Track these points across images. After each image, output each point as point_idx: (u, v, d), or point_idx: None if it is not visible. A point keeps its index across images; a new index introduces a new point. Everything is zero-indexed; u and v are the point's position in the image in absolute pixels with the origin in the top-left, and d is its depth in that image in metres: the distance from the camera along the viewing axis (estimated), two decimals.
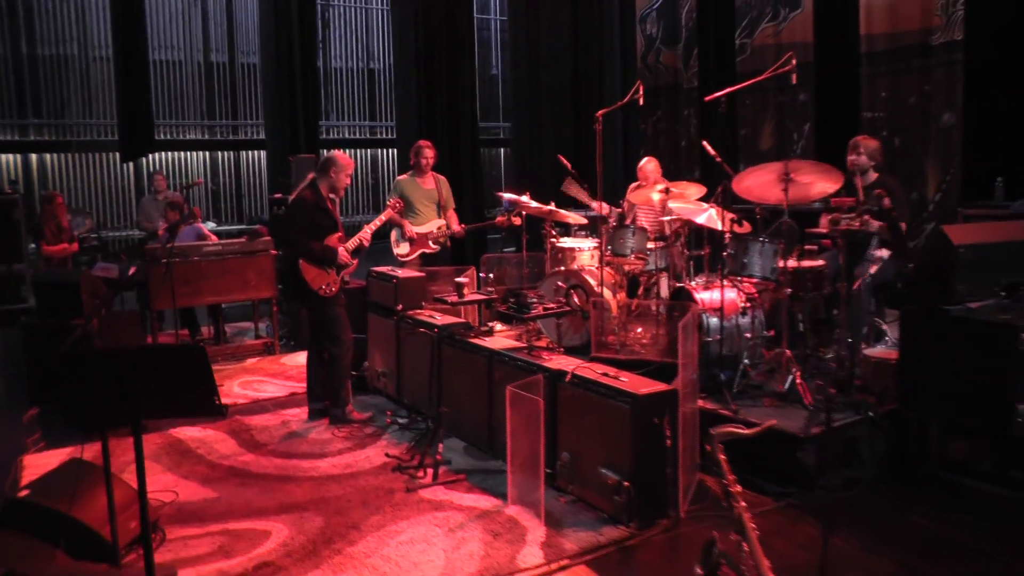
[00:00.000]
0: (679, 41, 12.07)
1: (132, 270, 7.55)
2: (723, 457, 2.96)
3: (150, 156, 12.26)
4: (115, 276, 7.78)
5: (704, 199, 6.46)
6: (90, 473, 3.98)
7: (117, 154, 11.21)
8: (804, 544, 3.96)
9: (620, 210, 7.24)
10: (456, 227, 7.51)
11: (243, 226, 12.93)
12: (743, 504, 2.90)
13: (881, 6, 9.34)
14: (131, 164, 12.68)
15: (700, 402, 4.92)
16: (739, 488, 2.93)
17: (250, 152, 14.49)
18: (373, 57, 15.92)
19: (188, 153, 14.01)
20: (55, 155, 12.67)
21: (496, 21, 16.48)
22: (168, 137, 13.65)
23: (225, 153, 14.42)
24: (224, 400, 6.19)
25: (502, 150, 16.16)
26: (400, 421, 5.81)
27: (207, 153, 14.25)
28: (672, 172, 11.51)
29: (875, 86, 9.53)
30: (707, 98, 6.39)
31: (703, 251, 6.41)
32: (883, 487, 4.71)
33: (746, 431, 3.05)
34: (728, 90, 6.25)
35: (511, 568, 3.73)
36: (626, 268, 6.37)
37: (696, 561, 3.11)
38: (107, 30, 12.55)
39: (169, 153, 13.62)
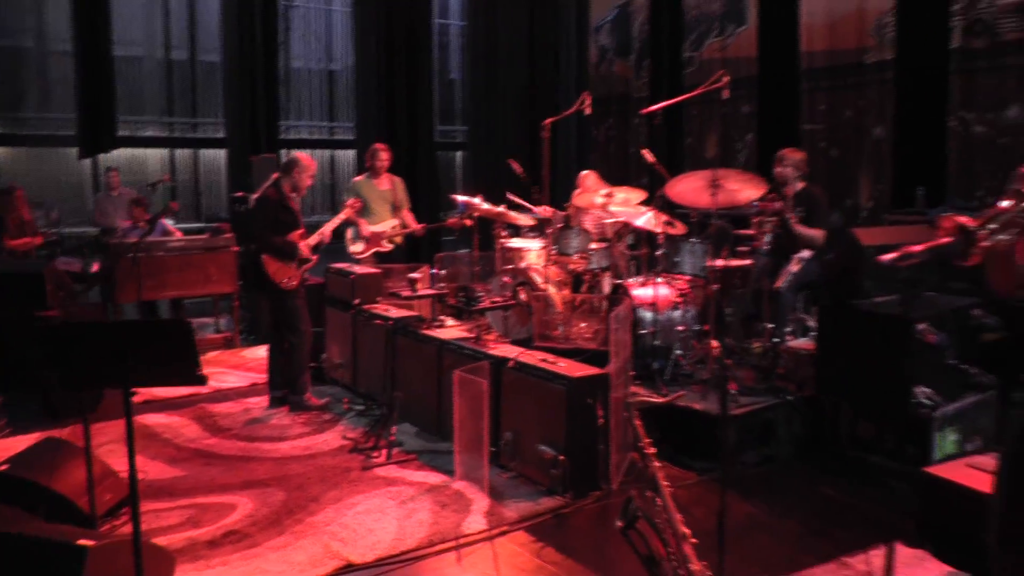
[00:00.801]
0: (631, 52, 12.55)
1: (95, 266, 7.83)
2: (639, 422, 3.38)
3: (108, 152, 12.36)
4: (79, 270, 8.04)
5: (644, 203, 6.91)
6: (66, 450, 4.30)
7: (75, 149, 11.32)
8: (719, 511, 4.40)
9: (565, 213, 7.66)
10: (415, 226, 7.89)
11: (202, 224, 13.12)
12: (657, 464, 3.33)
13: (820, 26, 9.88)
14: (89, 160, 12.75)
15: (634, 387, 5.37)
16: (654, 450, 3.36)
17: (209, 150, 14.62)
18: (334, 59, 16.13)
19: (146, 150, 14.11)
20: (10, 149, 12.70)
21: (456, 26, 16.81)
22: (127, 134, 13.73)
23: (184, 151, 14.54)
24: (188, 391, 6.59)
25: (460, 153, 16.50)
26: (357, 408, 6.18)
27: (166, 150, 14.36)
28: (622, 178, 11.95)
29: (814, 100, 10.06)
30: (643, 111, 6.84)
31: (642, 251, 6.86)
32: (797, 464, 5.19)
33: (658, 398, 3.47)
34: (663, 104, 6.71)
35: (456, 533, 4.13)
36: (570, 267, 6.79)
37: (617, 517, 3.54)
38: (66, 23, 12.62)
39: (127, 150, 13.69)
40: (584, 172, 7.86)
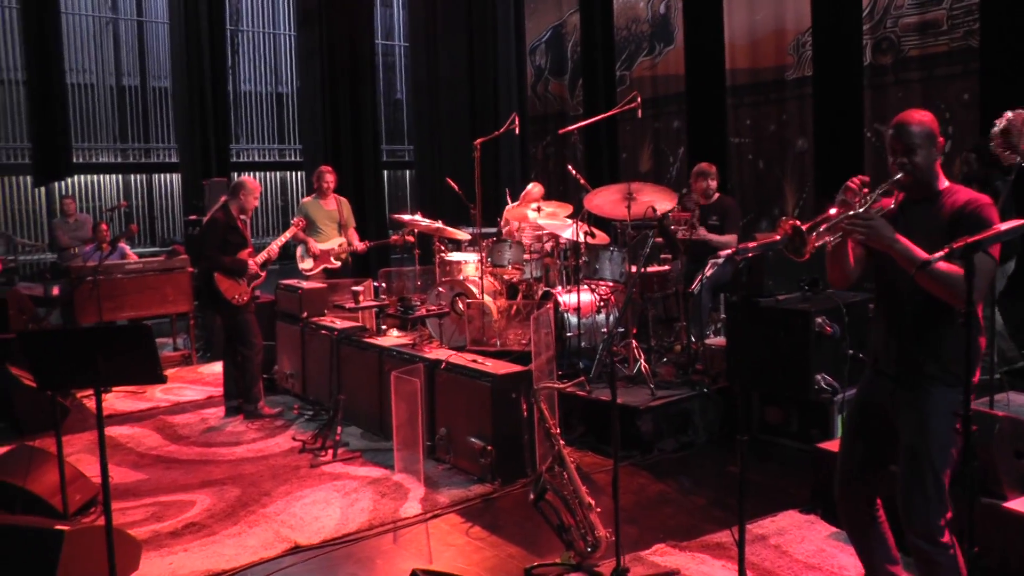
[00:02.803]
0: (565, 72, 13.15)
1: (55, 290, 8.21)
2: (544, 406, 3.89)
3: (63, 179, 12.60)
4: (40, 294, 8.40)
5: (570, 216, 7.47)
6: (38, 455, 4.72)
7: (28, 178, 11.54)
8: (633, 491, 4.94)
9: (498, 228, 8.21)
10: (358, 244, 8.38)
11: (156, 248, 13.41)
12: (562, 442, 3.85)
13: (743, 45, 10.53)
14: (43, 188, 12.95)
15: (560, 384, 5.89)
16: (558, 430, 3.87)
17: (162, 175, 14.87)
18: (281, 82, 16.47)
19: (101, 176, 14.34)
20: None
21: (400, 47, 17.27)
22: (81, 160, 13.94)
23: (137, 176, 14.79)
24: (147, 404, 7.00)
25: (408, 171, 16.94)
26: (306, 413, 6.64)
27: (119, 176, 14.61)
28: (561, 193, 12.58)
29: (739, 115, 10.71)
30: (560, 131, 7.40)
31: (570, 261, 7.40)
32: (711, 449, 5.73)
33: (560, 385, 4.00)
34: (578, 125, 7.27)
35: (395, 517, 4.62)
36: (505, 277, 7.32)
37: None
38: (16, 52, 12.82)
39: (81, 176, 13.91)
40: (531, 185, 8.32)
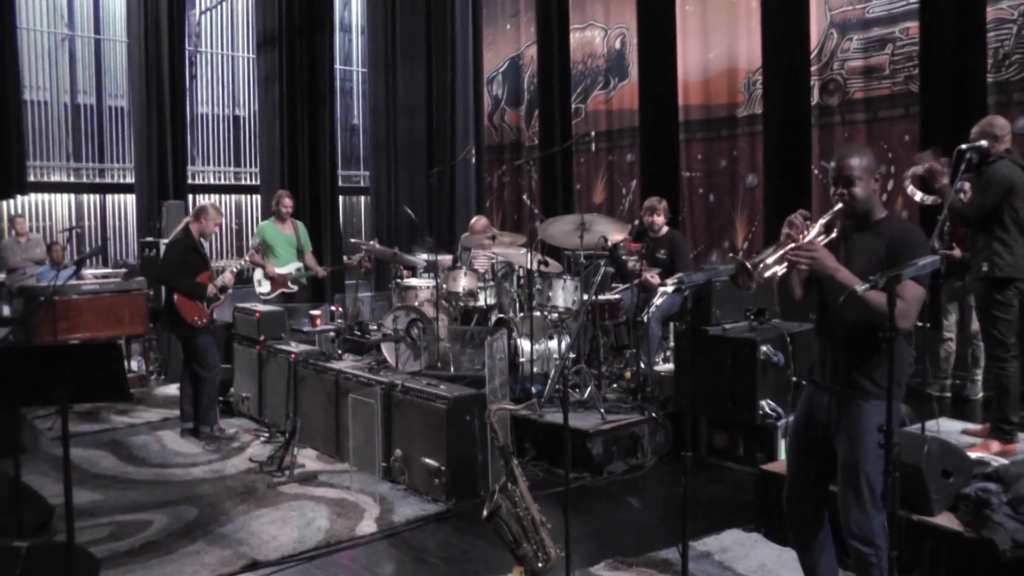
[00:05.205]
0: (522, 103, 13.40)
1: (5, 310, 8.17)
2: (496, 424, 4.04)
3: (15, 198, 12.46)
4: None
5: (523, 245, 7.66)
6: None
7: None
8: (583, 510, 5.10)
9: (455, 255, 8.38)
10: (317, 268, 8.49)
11: (108, 270, 13.29)
12: (515, 461, 4.00)
13: (695, 82, 10.87)
14: None
15: (513, 405, 6.04)
16: (512, 450, 4.02)
17: (117, 196, 14.72)
18: (238, 104, 16.46)
19: (53, 195, 14.17)
20: None
21: (358, 72, 17.38)
22: (32, 179, 13.78)
23: (91, 196, 14.63)
24: (101, 426, 7.00)
25: (364, 198, 16.99)
26: (263, 436, 6.70)
27: (72, 196, 14.45)
28: (516, 222, 12.80)
29: (691, 150, 11.03)
30: (517, 163, 7.61)
31: (523, 289, 7.59)
32: (659, 471, 5.92)
33: (513, 406, 4.17)
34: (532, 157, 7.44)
35: (351, 535, 4.73)
36: (459, 303, 7.47)
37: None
38: None
39: (33, 195, 13.73)
40: (474, 219, 8.57)
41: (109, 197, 14.61)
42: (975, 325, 6.55)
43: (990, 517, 3.68)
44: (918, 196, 5.64)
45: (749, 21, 10.05)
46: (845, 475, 3.15)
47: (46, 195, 13.96)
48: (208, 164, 15.77)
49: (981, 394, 6.80)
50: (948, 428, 5.45)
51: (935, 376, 6.94)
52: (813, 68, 9.41)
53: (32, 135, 13.73)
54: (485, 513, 4.01)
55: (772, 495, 4.48)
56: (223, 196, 15.48)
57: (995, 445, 5.07)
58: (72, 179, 14.38)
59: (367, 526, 4.85)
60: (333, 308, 7.46)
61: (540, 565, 4.00)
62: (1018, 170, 5.07)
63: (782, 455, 5.58)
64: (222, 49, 16.05)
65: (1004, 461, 4.45)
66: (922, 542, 3.86)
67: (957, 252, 6.52)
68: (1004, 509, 3.72)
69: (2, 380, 3.34)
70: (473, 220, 8.39)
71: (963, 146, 5.04)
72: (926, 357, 6.14)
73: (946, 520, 3.87)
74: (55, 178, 14.20)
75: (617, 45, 11.97)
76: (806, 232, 3.12)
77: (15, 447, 4.39)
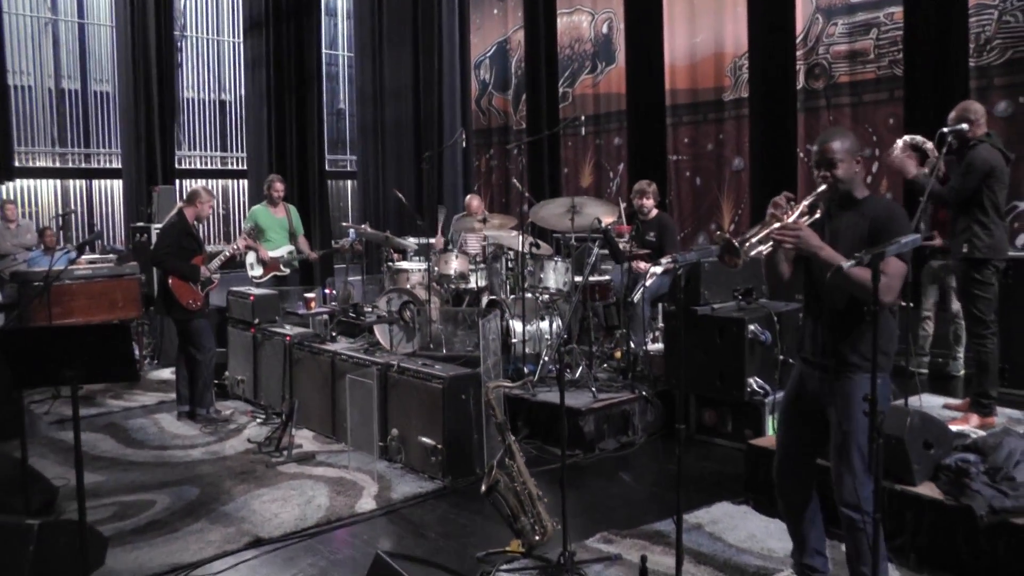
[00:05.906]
0: (509, 87, 13.45)
1: None
2: (493, 402, 4.15)
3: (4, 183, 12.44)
4: None
5: (514, 228, 7.76)
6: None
7: None
8: (577, 486, 5.23)
9: (446, 237, 8.48)
10: (309, 252, 8.58)
11: (95, 255, 13.26)
12: (512, 436, 4.12)
13: (682, 67, 10.95)
14: None
15: (508, 383, 6.16)
16: (508, 425, 4.14)
17: (103, 181, 14.68)
18: (225, 89, 16.40)
19: (39, 181, 14.12)
20: None
21: (344, 57, 17.36)
22: (18, 164, 13.70)
23: (77, 182, 14.58)
24: (97, 410, 7.06)
25: (350, 182, 17.01)
26: (259, 418, 6.80)
27: (58, 181, 14.39)
28: (504, 205, 12.88)
29: (678, 133, 11.12)
30: (508, 145, 7.70)
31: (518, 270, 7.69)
32: (650, 448, 6.06)
33: (509, 384, 4.29)
34: (520, 142, 7.53)
35: (351, 512, 4.85)
36: (451, 285, 7.58)
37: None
38: None
39: (19, 181, 13.68)
40: (469, 196, 8.65)
41: (96, 182, 14.56)
42: (956, 305, 6.71)
43: (968, 486, 3.83)
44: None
45: (735, 6, 10.12)
46: (838, 446, 3.29)
47: (32, 180, 13.89)
48: (195, 149, 15.74)
49: (963, 371, 6.97)
50: (930, 403, 5.61)
51: (915, 353, 7.11)
52: (799, 52, 9.51)
53: (16, 120, 13.65)
54: (484, 487, 4.14)
55: (761, 469, 4.63)
56: (210, 181, 15.44)
57: (975, 419, 5.25)
58: (58, 164, 14.31)
59: (366, 503, 4.96)
60: (327, 291, 7.55)
61: (537, 538, 4.13)
62: (998, 153, 5.22)
63: (770, 431, 5.73)
64: (208, 34, 15.99)
65: (982, 433, 4.62)
66: (905, 510, 4.01)
67: (938, 241, 6.69)
68: (982, 478, 3.87)
69: (12, 361, 3.42)
70: (468, 198, 8.46)
71: (944, 129, 5.19)
72: (908, 336, 6.29)
73: (927, 489, 4.03)
74: (40, 163, 14.14)
75: (604, 29, 12.03)
76: (790, 212, 3.24)
77: (20, 429, 4.44)
